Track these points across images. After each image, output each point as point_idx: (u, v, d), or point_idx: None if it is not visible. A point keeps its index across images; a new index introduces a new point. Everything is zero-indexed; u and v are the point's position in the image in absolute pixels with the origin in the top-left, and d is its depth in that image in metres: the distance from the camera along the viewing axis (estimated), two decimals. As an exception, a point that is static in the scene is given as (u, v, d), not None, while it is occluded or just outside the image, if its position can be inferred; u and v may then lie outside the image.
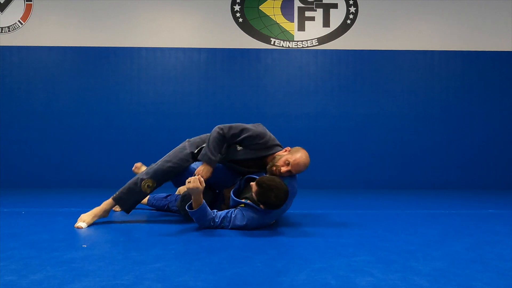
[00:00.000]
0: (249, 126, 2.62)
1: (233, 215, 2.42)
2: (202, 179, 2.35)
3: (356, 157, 5.03)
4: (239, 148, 2.66)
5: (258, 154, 2.61)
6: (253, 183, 2.38)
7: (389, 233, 2.40)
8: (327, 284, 1.48)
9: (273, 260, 1.79)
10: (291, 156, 2.54)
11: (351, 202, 3.83)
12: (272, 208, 2.36)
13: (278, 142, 2.68)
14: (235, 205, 2.49)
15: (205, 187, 2.67)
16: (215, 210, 2.50)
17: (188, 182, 2.32)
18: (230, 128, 2.58)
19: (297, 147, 2.62)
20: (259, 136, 2.58)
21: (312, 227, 2.55)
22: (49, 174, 4.90)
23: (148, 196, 3.13)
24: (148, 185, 2.64)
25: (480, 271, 1.66)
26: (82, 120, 4.95)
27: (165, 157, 2.71)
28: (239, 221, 2.40)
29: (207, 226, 2.43)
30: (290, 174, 2.56)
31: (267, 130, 2.68)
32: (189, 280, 1.51)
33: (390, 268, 1.68)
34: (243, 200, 2.45)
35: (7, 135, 4.91)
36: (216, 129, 2.58)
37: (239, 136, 2.57)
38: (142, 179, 2.63)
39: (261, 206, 2.37)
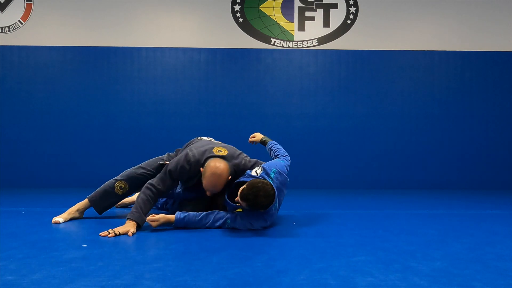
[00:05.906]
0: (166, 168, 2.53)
1: (236, 216, 2.43)
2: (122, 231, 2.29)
3: (356, 157, 5.02)
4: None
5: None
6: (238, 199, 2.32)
7: (389, 233, 2.40)
8: (327, 284, 1.48)
9: (273, 260, 1.79)
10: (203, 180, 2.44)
11: (351, 202, 3.83)
12: (262, 206, 2.31)
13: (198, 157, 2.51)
14: (231, 209, 2.50)
15: (199, 196, 2.74)
16: (216, 211, 2.50)
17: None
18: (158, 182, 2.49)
19: (208, 161, 2.46)
20: (178, 166, 2.49)
21: (312, 227, 2.55)
22: (49, 174, 4.90)
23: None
24: (120, 187, 2.72)
25: (480, 271, 1.66)
26: (82, 120, 4.95)
27: (142, 163, 2.81)
28: (243, 220, 2.40)
29: (210, 226, 2.46)
30: (212, 193, 2.47)
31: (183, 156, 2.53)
32: (189, 280, 1.51)
33: (390, 268, 1.68)
34: (237, 205, 2.43)
35: (7, 135, 4.90)
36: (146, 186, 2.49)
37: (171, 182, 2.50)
38: (116, 180, 2.73)
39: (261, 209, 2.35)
